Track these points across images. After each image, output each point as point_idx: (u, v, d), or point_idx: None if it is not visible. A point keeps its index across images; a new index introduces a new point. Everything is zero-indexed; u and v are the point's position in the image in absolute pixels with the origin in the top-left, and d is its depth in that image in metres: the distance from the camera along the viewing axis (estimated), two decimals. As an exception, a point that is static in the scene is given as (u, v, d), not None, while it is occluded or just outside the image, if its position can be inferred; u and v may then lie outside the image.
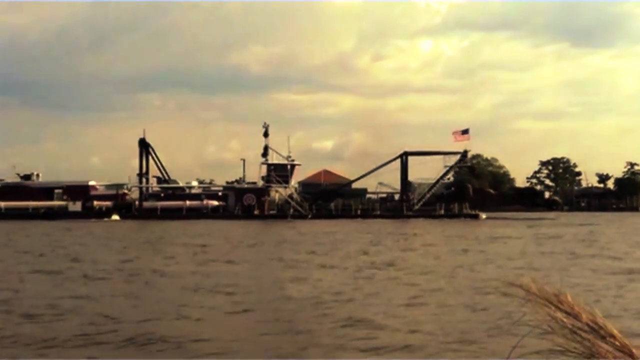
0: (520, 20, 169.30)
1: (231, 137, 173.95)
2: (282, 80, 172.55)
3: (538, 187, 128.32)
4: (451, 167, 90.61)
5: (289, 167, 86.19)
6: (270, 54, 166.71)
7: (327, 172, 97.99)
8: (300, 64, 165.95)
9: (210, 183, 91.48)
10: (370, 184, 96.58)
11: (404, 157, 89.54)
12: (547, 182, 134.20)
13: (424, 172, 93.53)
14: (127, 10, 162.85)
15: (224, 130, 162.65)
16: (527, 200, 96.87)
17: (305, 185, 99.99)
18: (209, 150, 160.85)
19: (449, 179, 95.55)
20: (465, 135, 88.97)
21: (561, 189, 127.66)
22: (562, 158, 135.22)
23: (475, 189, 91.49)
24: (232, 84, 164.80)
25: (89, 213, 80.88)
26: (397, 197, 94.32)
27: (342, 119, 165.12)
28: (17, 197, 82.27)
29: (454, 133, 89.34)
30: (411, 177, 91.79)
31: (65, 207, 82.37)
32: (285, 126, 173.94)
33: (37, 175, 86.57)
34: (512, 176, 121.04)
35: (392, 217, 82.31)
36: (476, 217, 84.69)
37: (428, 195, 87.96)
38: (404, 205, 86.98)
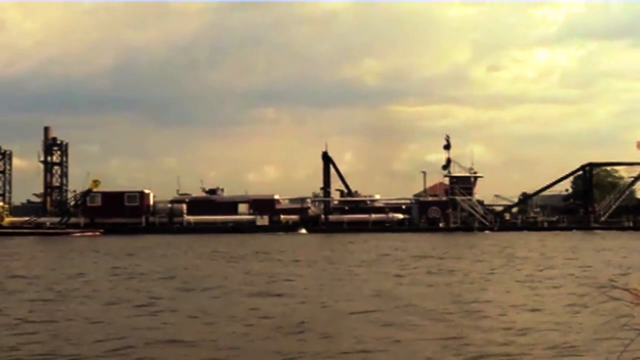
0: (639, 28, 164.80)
1: (346, 150, 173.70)
2: (397, 93, 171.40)
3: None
4: (637, 178, 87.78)
5: (472, 179, 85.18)
6: (385, 67, 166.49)
7: (443, 185, 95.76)
8: (415, 76, 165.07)
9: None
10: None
11: (588, 168, 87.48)
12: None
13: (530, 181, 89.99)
14: (245, 25, 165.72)
15: (339, 144, 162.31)
16: None
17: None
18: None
19: (567, 190, 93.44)
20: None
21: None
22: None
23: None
24: (346, 97, 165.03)
25: (276, 227, 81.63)
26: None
27: (458, 131, 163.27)
28: (204, 212, 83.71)
29: (638, 143, 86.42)
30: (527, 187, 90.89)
31: (253, 221, 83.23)
32: (400, 138, 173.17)
33: (222, 190, 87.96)
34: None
35: (578, 229, 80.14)
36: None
37: (614, 207, 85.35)
38: (591, 217, 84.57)
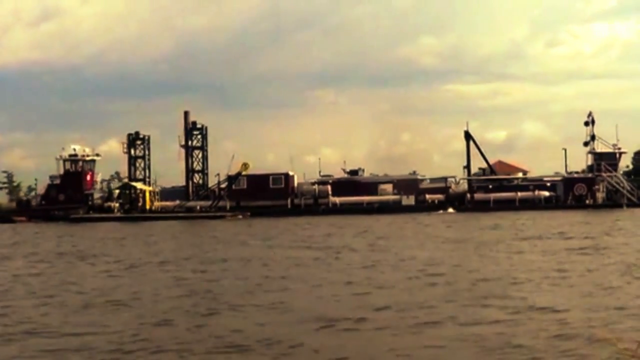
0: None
1: (403, 130, 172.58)
2: (454, 71, 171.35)
3: None
4: None
5: (617, 155, 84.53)
6: (441, 45, 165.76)
7: (501, 163, 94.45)
8: (472, 54, 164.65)
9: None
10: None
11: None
12: None
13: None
14: (301, 7, 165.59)
15: (396, 123, 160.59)
16: None
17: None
18: (381, 144, 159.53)
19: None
20: None
21: None
22: None
23: None
24: (403, 76, 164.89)
25: (421, 206, 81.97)
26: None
27: (516, 108, 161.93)
28: (348, 192, 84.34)
29: None
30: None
31: (399, 201, 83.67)
32: (458, 117, 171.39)
33: (363, 171, 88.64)
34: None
35: None
36: None
37: None
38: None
